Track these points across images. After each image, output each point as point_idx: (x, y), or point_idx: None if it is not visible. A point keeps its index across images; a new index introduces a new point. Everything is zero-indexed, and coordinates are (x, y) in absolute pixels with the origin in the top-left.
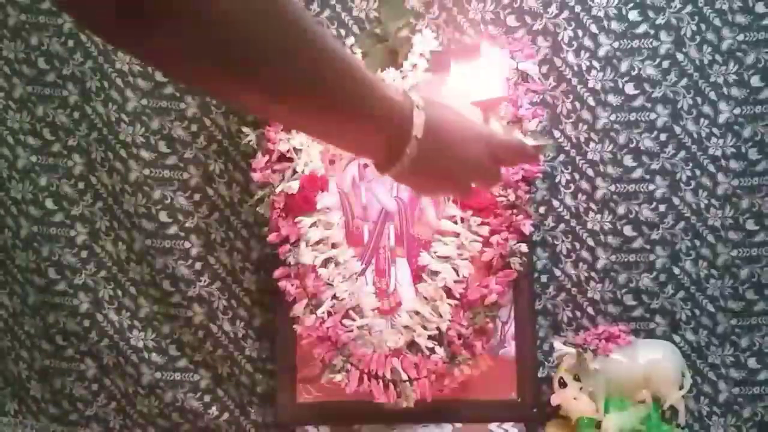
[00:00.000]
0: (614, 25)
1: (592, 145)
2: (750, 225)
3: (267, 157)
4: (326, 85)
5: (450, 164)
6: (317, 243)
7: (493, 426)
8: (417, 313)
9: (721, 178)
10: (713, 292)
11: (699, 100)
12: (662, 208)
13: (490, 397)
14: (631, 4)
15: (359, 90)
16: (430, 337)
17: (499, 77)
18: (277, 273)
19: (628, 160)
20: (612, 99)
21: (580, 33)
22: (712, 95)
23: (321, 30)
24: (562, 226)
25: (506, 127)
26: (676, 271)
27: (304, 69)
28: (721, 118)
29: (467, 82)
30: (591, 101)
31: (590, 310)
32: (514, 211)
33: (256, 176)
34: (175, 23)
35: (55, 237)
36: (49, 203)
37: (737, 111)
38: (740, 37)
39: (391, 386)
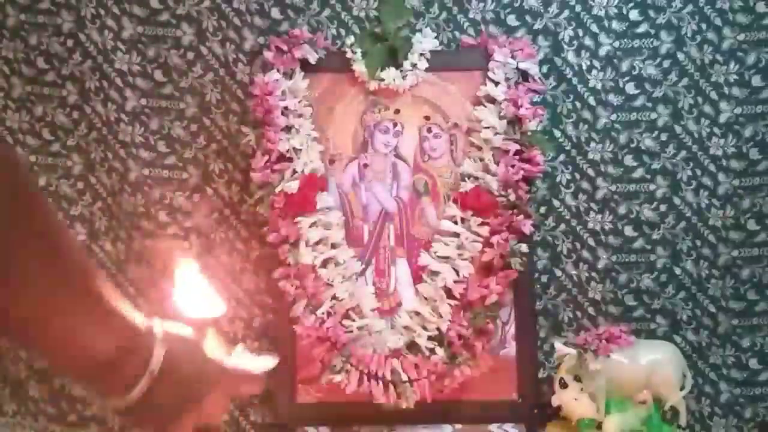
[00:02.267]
0: (615, 24)
1: (592, 144)
2: (751, 225)
3: (266, 157)
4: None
5: (178, 402)
6: (317, 243)
7: (493, 427)
8: (417, 313)
9: (722, 177)
10: (714, 293)
11: (700, 99)
12: (663, 208)
13: (490, 398)
14: (632, 4)
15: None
16: (430, 338)
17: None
18: (276, 273)
19: (629, 160)
20: (613, 99)
21: (580, 32)
22: (713, 95)
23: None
24: (562, 226)
25: (224, 346)
26: (677, 271)
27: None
28: (722, 118)
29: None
30: (591, 101)
31: (591, 310)
32: (515, 211)
33: (255, 176)
34: None
35: None
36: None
37: (738, 111)
38: (741, 37)
39: (391, 387)
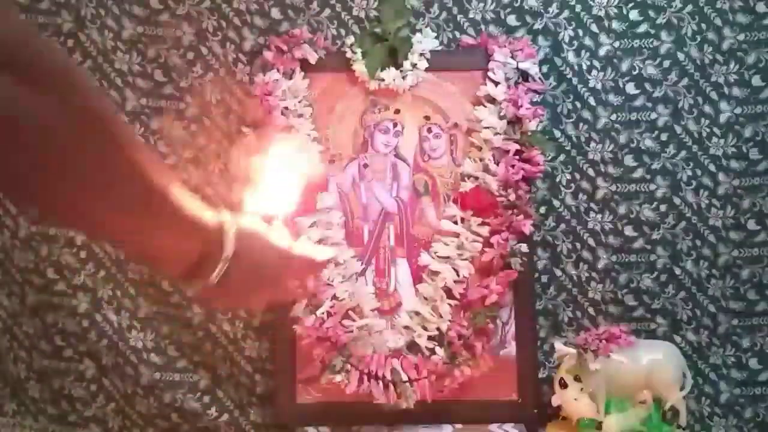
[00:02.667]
0: (615, 24)
1: (592, 144)
2: (751, 225)
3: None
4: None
5: (253, 285)
6: (317, 243)
7: (493, 427)
8: (417, 313)
9: (722, 177)
10: (714, 293)
11: (700, 99)
12: (663, 208)
13: (490, 398)
14: (632, 4)
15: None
16: (430, 338)
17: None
18: None
19: (629, 160)
20: (613, 99)
21: (580, 32)
22: (713, 95)
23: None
24: (562, 226)
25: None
26: (677, 271)
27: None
28: (722, 118)
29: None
30: (591, 101)
31: (591, 310)
32: (515, 211)
33: None
34: None
35: (54, 237)
36: None
37: (738, 111)
38: (741, 37)
39: (391, 387)
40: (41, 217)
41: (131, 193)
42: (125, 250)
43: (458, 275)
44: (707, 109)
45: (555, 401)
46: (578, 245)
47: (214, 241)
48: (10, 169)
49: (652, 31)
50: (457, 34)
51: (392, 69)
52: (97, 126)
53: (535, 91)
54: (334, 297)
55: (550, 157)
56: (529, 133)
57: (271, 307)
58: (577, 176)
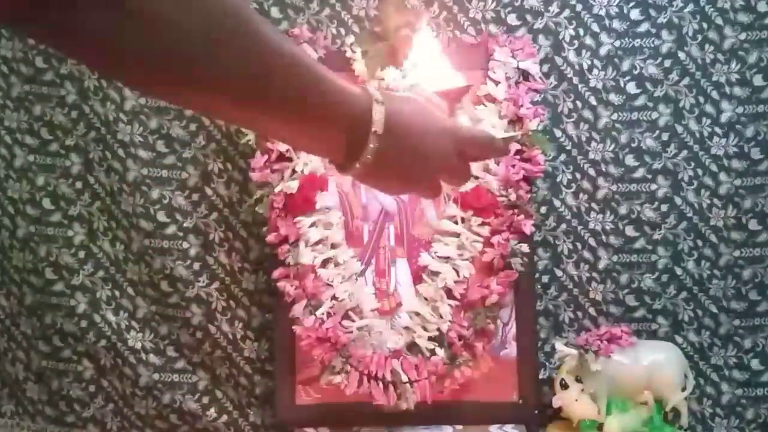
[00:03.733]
0: (616, 23)
1: (593, 144)
2: (753, 225)
3: (266, 157)
4: (272, 80)
5: (414, 161)
6: (317, 243)
7: (494, 428)
8: (417, 314)
9: (724, 177)
10: (716, 293)
11: (701, 99)
12: (664, 208)
13: (491, 399)
14: (633, 3)
15: (311, 85)
16: (430, 338)
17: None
18: (276, 273)
19: (630, 160)
20: (613, 98)
21: (581, 32)
22: (715, 94)
23: (263, 24)
24: (563, 226)
25: (473, 118)
26: (679, 271)
27: (245, 63)
28: (724, 118)
29: (427, 72)
30: (592, 100)
31: (592, 310)
32: (515, 211)
33: (254, 176)
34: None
35: (53, 237)
36: (47, 203)
37: (740, 110)
38: (742, 36)
39: (391, 388)
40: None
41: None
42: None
43: (458, 275)
44: (708, 108)
45: (556, 402)
46: (579, 245)
47: (363, 117)
48: None
49: (653, 31)
50: (458, 33)
51: (392, 69)
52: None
53: (536, 91)
54: (334, 297)
55: (550, 157)
56: (530, 133)
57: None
58: (578, 176)
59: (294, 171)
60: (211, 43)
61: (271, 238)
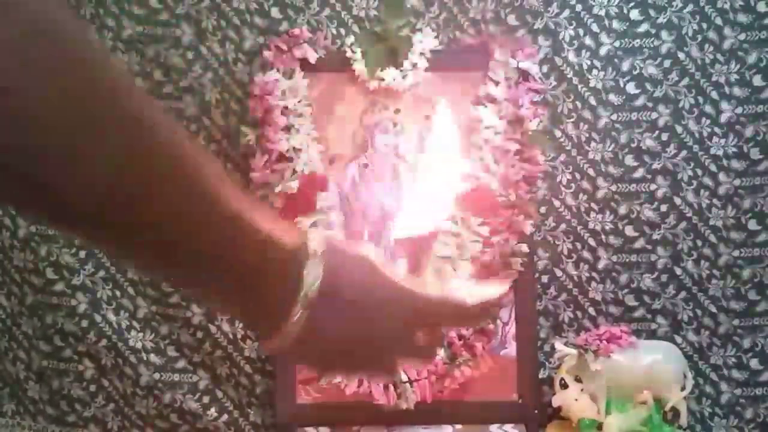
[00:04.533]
0: (615, 24)
1: (593, 144)
2: (752, 225)
3: (266, 157)
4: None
5: (359, 335)
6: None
7: (493, 427)
8: None
9: (723, 177)
10: (715, 293)
11: (701, 99)
12: (664, 208)
13: (490, 398)
14: (633, 3)
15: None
16: None
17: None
18: None
19: (630, 160)
20: (613, 98)
21: (581, 32)
22: (714, 95)
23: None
24: (563, 226)
25: (443, 273)
26: (678, 271)
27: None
28: (723, 118)
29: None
30: (592, 101)
31: (591, 310)
32: (515, 211)
33: (255, 176)
34: None
35: (53, 237)
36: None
37: (739, 110)
38: (742, 37)
39: (391, 387)
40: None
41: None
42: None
43: (458, 275)
44: (708, 108)
45: (555, 402)
46: (578, 245)
47: (292, 271)
48: None
49: (653, 31)
50: (458, 33)
51: (392, 69)
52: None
53: (536, 91)
54: None
55: (550, 157)
56: (530, 133)
57: (391, 374)
58: (578, 176)
59: (294, 171)
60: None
61: None
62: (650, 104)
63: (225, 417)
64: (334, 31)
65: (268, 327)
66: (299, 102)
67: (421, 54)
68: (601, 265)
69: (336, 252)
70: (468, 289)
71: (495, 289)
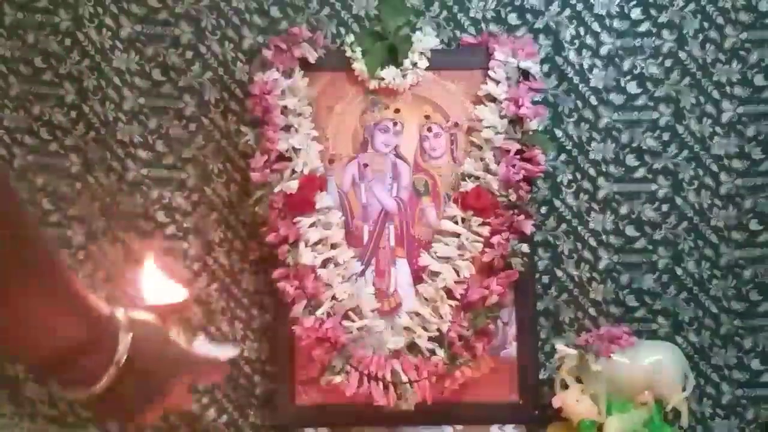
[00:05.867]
0: (616, 23)
1: (594, 144)
2: (753, 225)
3: (266, 157)
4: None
5: (149, 392)
6: (316, 243)
7: (494, 428)
8: (417, 314)
9: (724, 177)
10: (716, 293)
11: (702, 99)
12: (665, 208)
13: (491, 399)
14: (634, 2)
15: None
16: (430, 339)
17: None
18: (275, 274)
19: (631, 160)
20: (614, 98)
21: (582, 31)
22: (715, 94)
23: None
24: (563, 226)
25: (187, 334)
26: (679, 271)
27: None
28: (725, 117)
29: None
30: (593, 100)
31: (592, 311)
32: (516, 211)
33: (254, 176)
34: None
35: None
36: (46, 203)
37: (740, 110)
38: (743, 36)
39: (391, 388)
40: None
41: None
42: None
43: (459, 276)
44: (709, 108)
45: (556, 402)
46: (579, 245)
47: (105, 339)
48: None
49: (654, 30)
50: (458, 32)
51: (392, 68)
52: None
53: (536, 90)
54: (334, 298)
55: (551, 157)
56: (531, 133)
57: (167, 413)
58: (579, 176)
59: (294, 171)
60: None
61: (271, 238)
62: (651, 104)
63: (224, 418)
64: (334, 30)
65: (80, 383)
66: (299, 101)
67: (421, 53)
68: (601, 265)
69: (137, 324)
70: (207, 348)
71: (228, 351)
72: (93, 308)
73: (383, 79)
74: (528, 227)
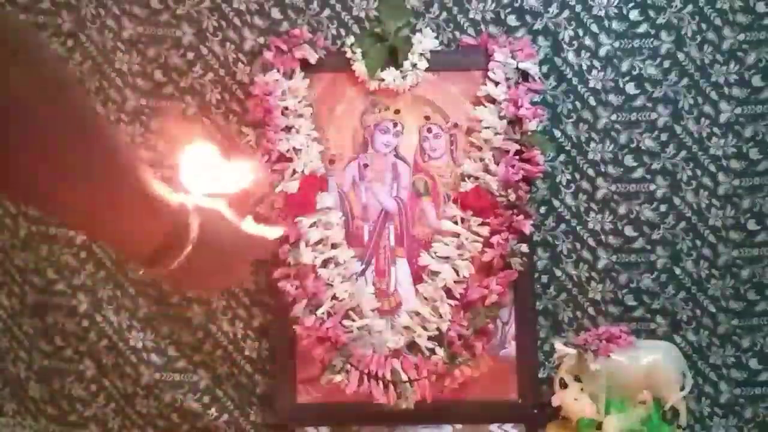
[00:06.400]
0: (615, 24)
1: (592, 144)
2: (751, 225)
3: (266, 157)
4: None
5: (215, 267)
6: (317, 243)
7: (493, 427)
8: (417, 313)
9: (722, 177)
10: (714, 293)
11: (700, 99)
12: (663, 208)
13: (490, 398)
14: (632, 4)
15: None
16: (430, 338)
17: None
18: (276, 273)
19: (629, 160)
20: (613, 99)
21: (580, 32)
22: (713, 95)
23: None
24: (562, 226)
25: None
26: (677, 271)
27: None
28: (722, 118)
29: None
30: (592, 101)
31: (591, 310)
32: (515, 211)
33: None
34: None
35: (54, 237)
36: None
37: (738, 111)
38: (741, 37)
39: (391, 387)
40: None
41: (93, 171)
42: (87, 231)
43: (458, 275)
44: (707, 109)
45: (555, 401)
46: (578, 245)
47: (179, 223)
48: None
49: (652, 31)
50: (457, 34)
51: (392, 69)
52: (62, 101)
53: (535, 91)
54: (334, 297)
55: (550, 157)
56: (529, 133)
57: (227, 287)
58: (577, 176)
59: (294, 171)
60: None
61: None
62: (649, 104)
63: (225, 416)
64: (334, 32)
65: (159, 263)
66: (299, 102)
67: (421, 54)
68: (600, 264)
69: (202, 209)
70: (256, 227)
71: (274, 231)
72: (166, 201)
73: (383, 80)
74: (527, 227)
